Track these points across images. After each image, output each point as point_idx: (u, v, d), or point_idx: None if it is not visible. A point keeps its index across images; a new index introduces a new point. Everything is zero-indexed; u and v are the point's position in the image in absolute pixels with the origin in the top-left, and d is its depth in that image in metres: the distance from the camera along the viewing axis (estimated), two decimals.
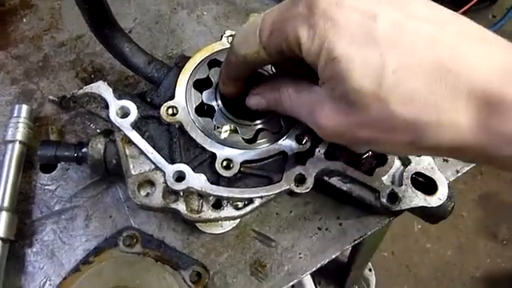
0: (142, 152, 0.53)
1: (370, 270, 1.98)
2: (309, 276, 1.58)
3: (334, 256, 0.58)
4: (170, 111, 0.56)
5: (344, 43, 0.37)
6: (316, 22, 0.38)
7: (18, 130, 0.62)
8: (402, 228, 1.98)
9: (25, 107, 0.64)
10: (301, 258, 0.58)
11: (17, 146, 0.61)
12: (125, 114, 0.55)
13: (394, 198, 0.55)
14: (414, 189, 0.55)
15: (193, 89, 0.57)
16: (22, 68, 0.73)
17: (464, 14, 1.90)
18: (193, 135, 0.55)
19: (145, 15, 0.80)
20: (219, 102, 0.57)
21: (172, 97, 0.57)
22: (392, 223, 0.64)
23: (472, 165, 0.67)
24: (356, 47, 0.36)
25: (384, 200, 0.54)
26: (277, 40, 0.41)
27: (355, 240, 0.58)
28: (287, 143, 0.55)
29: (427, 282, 1.95)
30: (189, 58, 0.61)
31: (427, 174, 0.56)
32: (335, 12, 0.37)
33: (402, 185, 0.56)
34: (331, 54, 0.37)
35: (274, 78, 0.54)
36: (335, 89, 0.39)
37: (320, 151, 0.55)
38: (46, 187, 0.62)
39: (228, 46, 0.62)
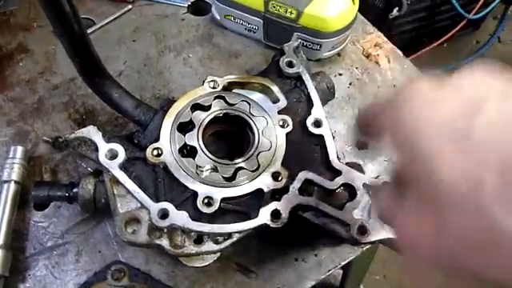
0: (128, 191, 0.58)
1: None
2: None
3: (309, 286, 0.62)
4: (155, 152, 0.60)
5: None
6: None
7: (14, 171, 0.66)
8: (393, 251, 2.00)
9: (20, 149, 0.69)
10: None
11: (12, 185, 0.66)
12: (113, 155, 0.59)
13: (363, 230, 0.59)
14: (381, 222, 0.59)
15: (176, 131, 0.62)
16: (18, 110, 0.77)
17: (448, 40, 1.97)
18: (176, 175, 0.59)
19: (134, 58, 0.85)
20: (201, 142, 0.62)
21: (157, 139, 0.62)
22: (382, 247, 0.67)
23: None
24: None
25: (354, 233, 0.58)
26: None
27: (329, 270, 0.62)
28: (264, 180, 0.60)
29: None
30: (174, 101, 0.66)
31: None
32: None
33: (370, 218, 0.60)
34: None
35: None
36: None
37: (294, 188, 0.59)
38: (39, 224, 0.66)
39: (209, 90, 0.67)
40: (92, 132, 0.60)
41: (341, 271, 1.71)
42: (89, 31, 0.82)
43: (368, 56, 0.88)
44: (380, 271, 2.04)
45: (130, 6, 0.92)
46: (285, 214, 0.57)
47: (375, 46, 0.89)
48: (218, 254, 0.58)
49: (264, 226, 0.57)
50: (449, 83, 0.32)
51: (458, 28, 2.28)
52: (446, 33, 2.31)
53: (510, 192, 0.27)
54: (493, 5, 2.19)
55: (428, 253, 0.33)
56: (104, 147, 0.60)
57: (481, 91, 0.30)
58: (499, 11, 2.38)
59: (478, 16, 2.26)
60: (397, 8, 1.84)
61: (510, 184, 0.27)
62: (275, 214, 0.57)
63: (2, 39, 0.87)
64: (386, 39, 0.91)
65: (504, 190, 0.27)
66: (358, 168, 0.64)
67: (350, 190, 0.61)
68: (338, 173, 0.61)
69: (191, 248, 0.56)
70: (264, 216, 0.57)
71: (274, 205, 0.58)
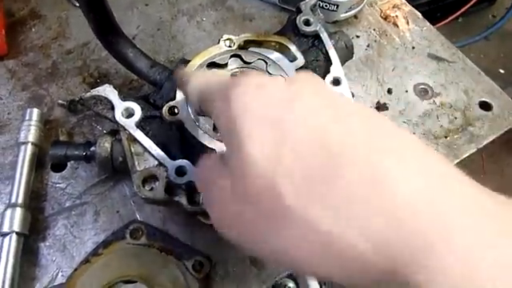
0: (145, 149, 0.57)
1: None
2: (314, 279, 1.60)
3: None
4: (172, 111, 0.59)
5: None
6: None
7: (30, 133, 0.66)
8: None
9: (36, 111, 0.69)
10: None
11: (29, 147, 0.65)
12: (129, 114, 0.59)
13: None
14: None
15: None
16: (32, 75, 0.77)
17: (463, 15, 1.93)
18: (193, 133, 0.58)
19: (147, 22, 0.84)
20: None
21: (173, 98, 0.61)
22: None
23: None
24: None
25: None
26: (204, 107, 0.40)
27: None
28: None
29: None
30: (189, 61, 0.65)
31: None
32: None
33: None
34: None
35: None
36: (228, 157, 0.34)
37: None
38: (57, 185, 0.66)
39: (225, 48, 0.65)
40: (108, 91, 0.60)
41: None
42: None
43: (386, 18, 0.86)
44: None
45: None
46: None
47: (393, 7, 0.87)
48: None
49: None
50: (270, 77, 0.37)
51: (473, 2, 2.22)
52: (461, 7, 2.25)
53: (299, 170, 0.29)
54: None
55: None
56: (120, 106, 0.59)
57: (299, 84, 0.34)
58: None
59: None
60: None
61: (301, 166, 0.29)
62: None
63: (14, 5, 0.86)
64: (404, 1, 0.89)
65: (295, 167, 0.29)
66: None
67: None
68: None
69: None
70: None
71: None
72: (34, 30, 0.83)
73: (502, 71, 2.56)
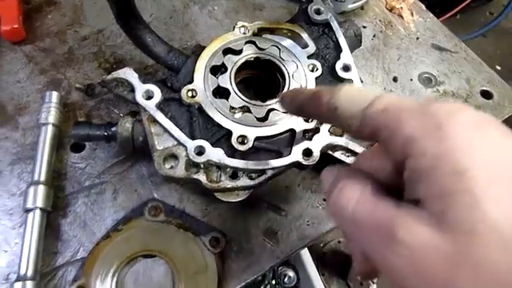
0: (165, 130, 0.60)
1: None
2: (314, 268, 1.64)
3: (335, 225, 0.64)
4: (190, 94, 0.62)
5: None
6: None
7: (51, 114, 0.68)
8: None
9: (55, 93, 0.71)
10: (308, 225, 0.65)
11: (50, 128, 0.68)
12: (149, 96, 0.61)
13: None
14: None
15: (210, 74, 0.64)
16: (50, 60, 0.79)
17: (461, 12, 1.96)
18: (211, 114, 0.61)
19: (160, 10, 0.86)
20: (234, 85, 0.63)
21: (191, 81, 0.63)
22: None
23: None
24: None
25: None
26: (385, 120, 0.33)
27: None
28: (295, 121, 0.62)
29: None
30: (204, 47, 0.67)
31: None
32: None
33: None
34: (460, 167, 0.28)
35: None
36: (448, 213, 0.28)
37: (325, 128, 0.61)
38: (77, 165, 0.68)
39: (240, 35, 0.68)
40: (128, 73, 0.62)
41: None
42: None
43: (391, 9, 0.89)
44: None
45: None
46: (316, 152, 0.60)
47: None
48: (251, 191, 0.61)
49: (296, 164, 0.59)
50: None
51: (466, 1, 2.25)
52: (459, 4, 2.28)
53: None
54: None
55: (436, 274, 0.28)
56: (140, 88, 0.61)
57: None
58: None
59: None
60: None
61: None
62: (307, 153, 0.60)
63: None
64: None
65: None
66: None
67: None
68: None
69: (227, 183, 0.58)
70: (296, 154, 0.59)
71: (305, 144, 0.60)
72: (49, 16, 0.85)
73: (498, 67, 2.59)
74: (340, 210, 0.35)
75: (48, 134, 0.67)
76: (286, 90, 0.64)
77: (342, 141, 0.61)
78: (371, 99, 0.35)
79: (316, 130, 0.61)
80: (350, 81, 0.65)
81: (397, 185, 0.34)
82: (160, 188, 0.66)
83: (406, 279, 0.29)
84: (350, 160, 0.62)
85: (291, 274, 1.70)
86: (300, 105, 0.43)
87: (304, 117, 0.59)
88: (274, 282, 1.68)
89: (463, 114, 0.30)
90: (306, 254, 1.60)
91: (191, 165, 0.59)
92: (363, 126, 0.35)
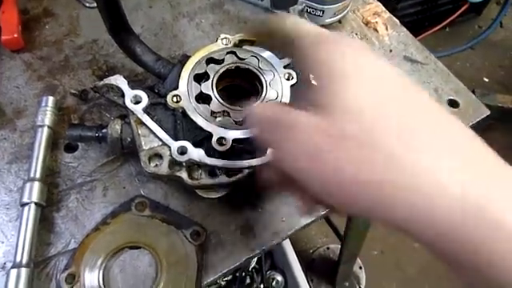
0: (151, 131, 0.66)
1: (361, 267, 2.09)
2: (302, 273, 1.68)
3: (307, 222, 0.70)
4: (175, 99, 0.68)
5: None
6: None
7: (47, 117, 0.74)
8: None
9: (51, 98, 0.76)
10: (283, 221, 0.70)
11: (45, 129, 0.73)
12: (137, 101, 0.67)
13: None
14: None
15: (193, 81, 0.70)
16: (46, 67, 0.85)
17: (450, 25, 2.03)
18: (193, 118, 0.67)
19: (151, 23, 0.93)
20: (215, 91, 0.69)
21: (176, 88, 0.69)
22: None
23: None
24: None
25: None
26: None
27: (324, 212, 0.70)
28: None
29: (415, 280, 2.05)
30: (190, 56, 0.73)
31: None
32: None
33: None
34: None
35: None
36: (322, 98, 0.38)
37: None
38: (70, 164, 0.74)
39: (222, 46, 0.74)
40: (119, 80, 0.68)
41: (339, 246, 1.81)
42: None
43: (367, 23, 0.95)
44: (378, 247, 2.13)
45: None
46: None
47: (374, 14, 0.96)
48: (230, 188, 0.66)
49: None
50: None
51: (459, 12, 2.32)
52: (448, 17, 2.35)
53: (408, 130, 0.34)
54: None
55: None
56: (129, 93, 0.67)
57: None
58: None
59: (480, 0, 2.31)
60: None
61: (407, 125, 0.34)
62: None
63: (28, 4, 0.94)
64: (384, 9, 0.98)
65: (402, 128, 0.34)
66: None
67: None
68: None
69: (207, 180, 0.64)
70: (268, 156, 0.65)
71: None
72: (47, 27, 0.91)
73: (486, 79, 2.67)
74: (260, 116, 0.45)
75: (44, 135, 0.73)
76: (263, 96, 0.70)
77: None
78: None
79: None
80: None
81: None
82: (146, 185, 0.72)
83: (296, 159, 0.38)
84: None
85: (279, 278, 1.75)
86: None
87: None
88: (262, 286, 1.72)
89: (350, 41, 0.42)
90: (294, 259, 1.64)
91: (174, 163, 0.64)
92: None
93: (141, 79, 0.83)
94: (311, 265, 2.13)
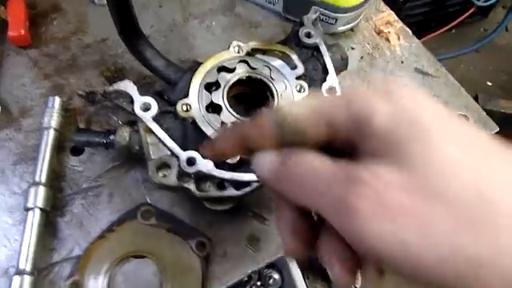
0: (160, 140, 0.65)
1: None
2: (298, 271, 1.69)
3: None
4: (185, 108, 0.67)
5: None
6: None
7: (53, 119, 0.73)
8: None
9: (57, 99, 0.75)
10: None
11: (51, 132, 0.72)
12: (146, 108, 0.66)
13: None
14: None
15: (204, 90, 0.69)
16: (53, 65, 0.84)
17: (456, 27, 2.01)
18: (203, 128, 0.66)
19: (160, 23, 0.91)
20: (226, 101, 0.68)
21: (186, 96, 0.68)
22: None
23: None
24: None
25: None
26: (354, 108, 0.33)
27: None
28: None
29: None
30: (201, 63, 0.72)
31: None
32: None
33: None
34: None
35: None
36: (403, 152, 0.31)
37: None
38: (75, 168, 0.73)
39: (234, 54, 0.73)
40: (128, 86, 0.67)
41: None
42: None
43: (379, 33, 0.94)
44: None
45: None
46: None
47: (386, 23, 0.95)
48: (237, 200, 0.66)
49: None
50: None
51: (466, 15, 2.30)
52: (454, 19, 2.33)
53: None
54: None
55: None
56: (139, 100, 0.66)
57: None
58: (509, 0, 2.40)
59: (487, 4, 2.29)
60: None
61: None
62: None
63: None
64: (397, 18, 0.97)
65: None
66: None
67: None
68: None
69: (215, 192, 0.63)
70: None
71: None
72: (55, 23, 0.89)
73: (489, 83, 2.66)
74: (287, 173, 0.34)
75: (50, 137, 0.72)
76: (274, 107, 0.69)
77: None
78: (323, 99, 0.36)
79: None
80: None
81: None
82: (152, 193, 0.71)
83: (371, 218, 0.29)
84: None
85: (276, 276, 1.75)
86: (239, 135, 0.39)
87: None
88: (259, 283, 1.73)
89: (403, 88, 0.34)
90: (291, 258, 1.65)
91: (182, 174, 0.63)
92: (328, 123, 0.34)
93: (149, 82, 0.82)
94: (308, 262, 2.13)
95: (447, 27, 2.33)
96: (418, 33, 2.27)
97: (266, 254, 0.68)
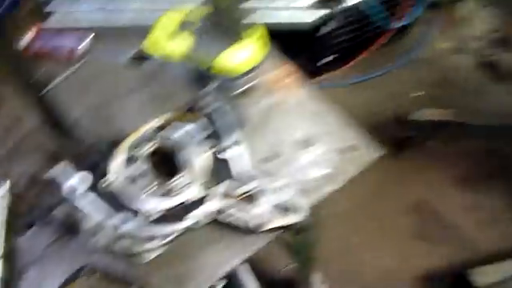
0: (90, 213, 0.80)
1: (323, 282, 2.21)
2: None
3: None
4: (107, 183, 0.83)
5: None
6: None
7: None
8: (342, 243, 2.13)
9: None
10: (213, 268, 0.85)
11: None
12: (73, 189, 0.81)
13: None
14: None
15: (125, 163, 0.85)
16: None
17: (377, 48, 2.17)
18: (124, 198, 0.82)
19: (88, 106, 1.08)
20: (144, 170, 0.84)
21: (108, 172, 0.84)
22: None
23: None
24: None
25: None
26: None
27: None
28: (191, 193, 0.83)
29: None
30: (119, 142, 0.88)
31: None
32: None
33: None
34: None
35: None
36: None
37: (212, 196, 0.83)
38: (26, 242, 0.87)
39: (151, 126, 0.89)
40: (60, 171, 0.82)
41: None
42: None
43: (277, 85, 1.11)
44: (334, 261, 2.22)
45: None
46: (204, 219, 0.82)
47: (285, 75, 1.12)
48: (166, 247, 0.82)
49: (189, 228, 0.81)
50: None
51: (382, 39, 2.50)
52: (374, 42, 2.53)
53: None
54: (416, 14, 2.43)
55: None
56: (66, 183, 0.81)
57: None
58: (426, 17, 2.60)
59: (402, 24, 2.49)
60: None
61: None
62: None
63: None
64: (294, 68, 1.14)
65: None
66: None
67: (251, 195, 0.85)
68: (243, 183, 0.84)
69: (141, 247, 0.79)
70: (190, 220, 0.81)
71: (198, 210, 0.81)
72: None
73: (415, 95, 2.85)
74: None
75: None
76: (187, 167, 0.85)
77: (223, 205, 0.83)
78: None
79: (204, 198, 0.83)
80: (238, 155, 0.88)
81: None
82: (94, 253, 0.85)
83: None
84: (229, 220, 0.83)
85: None
86: None
87: None
88: None
89: None
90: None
91: (112, 235, 0.79)
92: None
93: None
94: (274, 286, 2.22)
95: (367, 51, 2.53)
96: (342, 60, 2.46)
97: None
